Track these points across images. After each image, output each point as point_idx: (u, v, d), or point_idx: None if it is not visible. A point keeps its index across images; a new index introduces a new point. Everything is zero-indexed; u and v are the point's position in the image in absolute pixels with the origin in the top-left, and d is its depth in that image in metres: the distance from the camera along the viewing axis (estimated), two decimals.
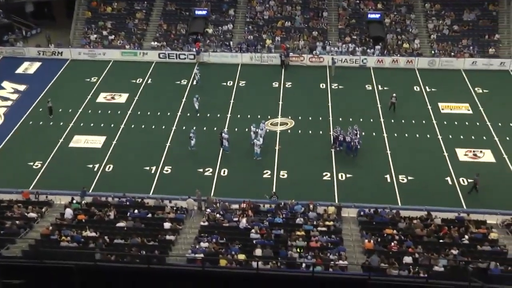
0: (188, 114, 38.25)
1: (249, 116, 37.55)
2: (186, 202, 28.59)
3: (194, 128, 34.74)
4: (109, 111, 38.77)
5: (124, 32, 48.83)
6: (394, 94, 38.51)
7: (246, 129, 35.59)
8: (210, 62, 45.88)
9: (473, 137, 35.60)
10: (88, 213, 27.72)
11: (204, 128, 36.35)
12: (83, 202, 28.92)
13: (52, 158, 33.60)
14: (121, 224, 26.58)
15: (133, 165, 32.98)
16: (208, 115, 38.13)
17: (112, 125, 36.95)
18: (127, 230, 26.11)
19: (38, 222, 27.48)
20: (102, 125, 37.05)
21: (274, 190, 30.08)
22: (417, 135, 35.96)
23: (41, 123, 37.44)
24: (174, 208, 28.50)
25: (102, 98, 40.59)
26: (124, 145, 35.01)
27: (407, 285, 11.23)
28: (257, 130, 34.39)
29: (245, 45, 46.76)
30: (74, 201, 28.65)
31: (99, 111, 38.78)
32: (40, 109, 38.92)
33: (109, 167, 32.85)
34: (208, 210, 28.12)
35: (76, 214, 27.45)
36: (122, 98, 40.54)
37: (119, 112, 38.62)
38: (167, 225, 26.60)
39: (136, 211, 27.81)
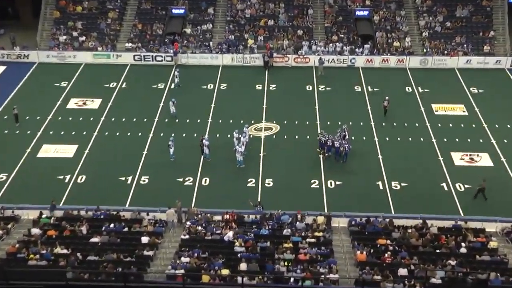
0: (166, 120, 38.06)
1: (231, 121, 37.46)
2: (166, 213, 28.38)
3: (173, 135, 34.52)
4: (81, 118, 38.41)
5: (96, 33, 48.50)
6: (387, 97, 38.61)
7: (229, 135, 35.46)
8: (189, 64, 45.77)
9: (469, 140, 35.88)
10: (58, 229, 27.35)
11: (184, 135, 36.17)
12: (53, 216, 28.53)
13: (18, 169, 33.15)
14: (95, 239, 26.31)
15: (108, 175, 32.68)
16: (188, 120, 37.98)
17: (84, 133, 36.61)
18: (101, 246, 25.85)
19: (3, 240, 27.15)
20: (73, 133, 36.68)
21: (259, 200, 29.95)
22: (410, 139, 36.13)
23: (6, 131, 36.94)
24: (152, 221, 28.29)
25: (73, 104, 40.23)
26: (97, 154, 34.69)
27: None
28: (240, 136, 34.28)
29: (226, 46, 46.72)
30: (44, 216, 28.31)
31: (70, 118, 38.40)
32: (5, 117, 38.43)
33: (82, 178, 32.49)
34: (189, 222, 27.94)
35: (46, 230, 27.08)
36: (94, 103, 40.21)
37: (91, 118, 38.28)
38: (144, 239, 26.39)
39: (111, 225, 27.54)
